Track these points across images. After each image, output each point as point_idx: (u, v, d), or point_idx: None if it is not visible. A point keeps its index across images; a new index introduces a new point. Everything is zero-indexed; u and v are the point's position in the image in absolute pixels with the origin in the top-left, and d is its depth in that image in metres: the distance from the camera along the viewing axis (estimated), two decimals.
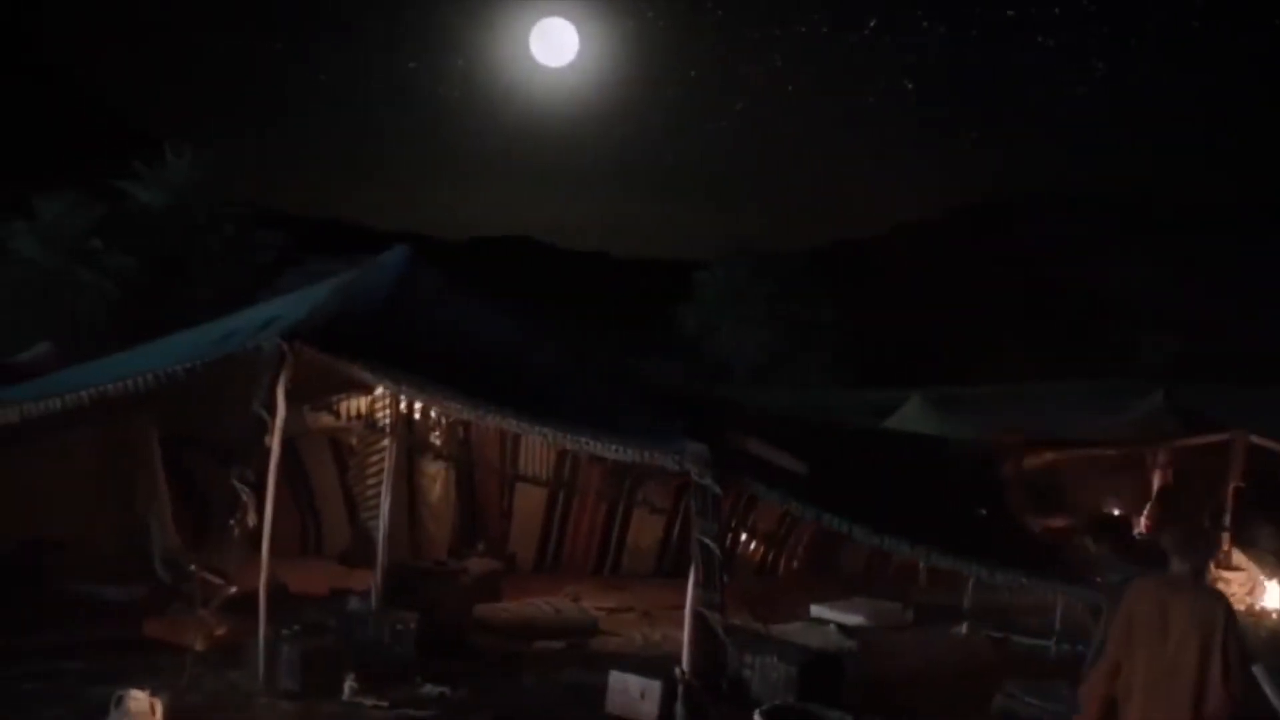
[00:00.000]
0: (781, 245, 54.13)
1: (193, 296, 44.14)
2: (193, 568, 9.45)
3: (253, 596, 10.57)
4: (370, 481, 13.45)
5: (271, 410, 9.59)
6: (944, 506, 12.01)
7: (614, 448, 9.70)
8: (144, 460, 13.40)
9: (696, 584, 9.39)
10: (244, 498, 9.33)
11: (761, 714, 8.32)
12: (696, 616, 9.27)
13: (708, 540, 9.31)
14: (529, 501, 15.60)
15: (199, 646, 10.61)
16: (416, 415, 13.43)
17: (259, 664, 9.74)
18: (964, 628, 13.53)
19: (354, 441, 14.14)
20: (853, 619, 13.42)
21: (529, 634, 12.07)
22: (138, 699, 7.83)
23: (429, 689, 9.94)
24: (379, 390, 12.89)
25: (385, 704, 9.51)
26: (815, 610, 13.70)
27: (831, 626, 13.03)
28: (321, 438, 14.65)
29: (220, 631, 9.70)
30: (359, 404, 13.51)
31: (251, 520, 9.40)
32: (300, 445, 13.78)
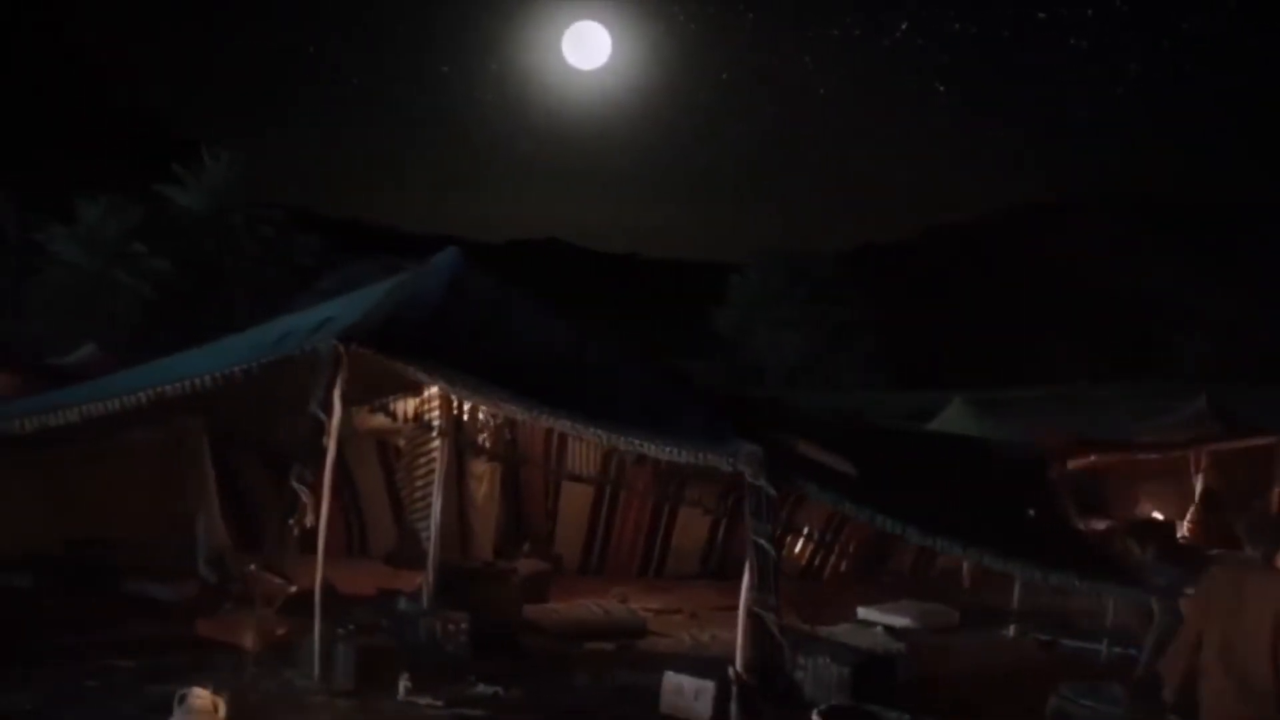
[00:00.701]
0: (813, 248, 53.89)
1: (230, 298, 44.51)
2: (252, 567, 9.50)
3: (301, 596, 10.73)
4: (418, 483, 13.45)
5: (328, 411, 9.66)
6: (994, 508, 11.98)
7: (668, 449, 9.72)
8: (194, 461, 13.50)
9: (751, 585, 9.38)
10: (303, 498, 9.40)
11: (819, 714, 8.32)
12: (752, 617, 9.24)
13: (762, 541, 9.30)
14: (575, 501, 15.64)
15: (253, 646, 10.74)
16: (465, 416, 13.47)
17: (314, 663, 9.82)
18: (1011, 630, 13.47)
19: (401, 443, 14.18)
20: (899, 621, 13.38)
21: (578, 635, 12.10)
22: (201, 697, 7.89)
23: (482, 689, 9.96)
24: (427, 392, 12.95)
25: (440, 703, 9.54)
26: (862, 613, 13.68)
27: (878, 629, 13.00)
28: (368, 439, 14.73)
29: (281, 631, 9.76)
30: (409, 405, 13.54)
31: (309, 520, 9.46)
32: (345, 446, 13.84)
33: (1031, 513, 12.75)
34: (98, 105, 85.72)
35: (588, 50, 63.93)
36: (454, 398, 12.22)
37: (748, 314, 49.43)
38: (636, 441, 9.83)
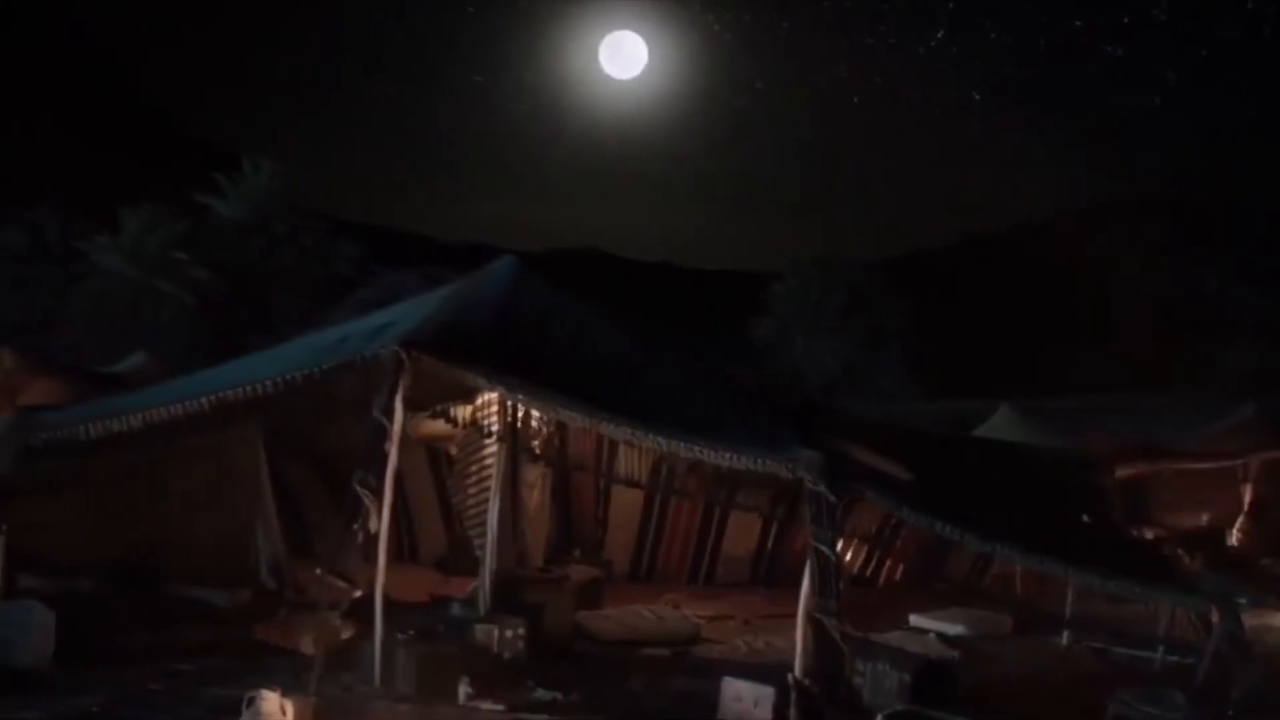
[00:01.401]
0: (851, 256, 53.70)
1: (271, 307, 44.78)
2: (317, 571, 9.56)
3: (357, 602, 10.81)
4: (470, 490, 13.51)
5: (390, 417, 9.73)
6: (1050, 514, 11.95)
7: (727, 455, 9.76)
8: (251, 467, 13.59)
9: (812, 591, 9.37)
10: (366, 502, 9.46)
11: (884, 719, 8.33)
12: (814, 623, 9.24)
13: (823, 547, 9.31)
14: (624, 509, 15.65)
15: (313, 651, 10.81)
16: (519, 423, 13.50)
17: (374, 668, 9.89)
18: (1065, 638, 13.41)
19: (453, 450, 14.23)
20: (953, 629, 13.34)
21: (633, 641, 12.13)
22: (269, 700, 7.94)
23: (541, 694, 10.00)
24: (480, 399, 13.00)
25: (501, 708, 9.60)
26: (914, 620, 13.65)
27: (932, 636, 12.98)
28: (418, 446, 14.79)
29: (346, 635, 9.81)
30: (464, 411, 13.60)
31: (374, 525, 9.53)
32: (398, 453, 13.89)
33: (1086, 519, 12.71)
34: (139, 116, 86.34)
35: (624, 59, 63.98)
36: (511, 404, 12.28)
37: (786, 322, 49.31)
38: (696, 448, 9.83)
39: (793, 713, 9.14)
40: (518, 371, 10.09)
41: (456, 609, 12.42)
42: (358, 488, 9.48)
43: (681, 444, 9.90)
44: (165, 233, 42.78)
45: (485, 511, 13.11)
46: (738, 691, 9.62)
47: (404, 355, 9.77)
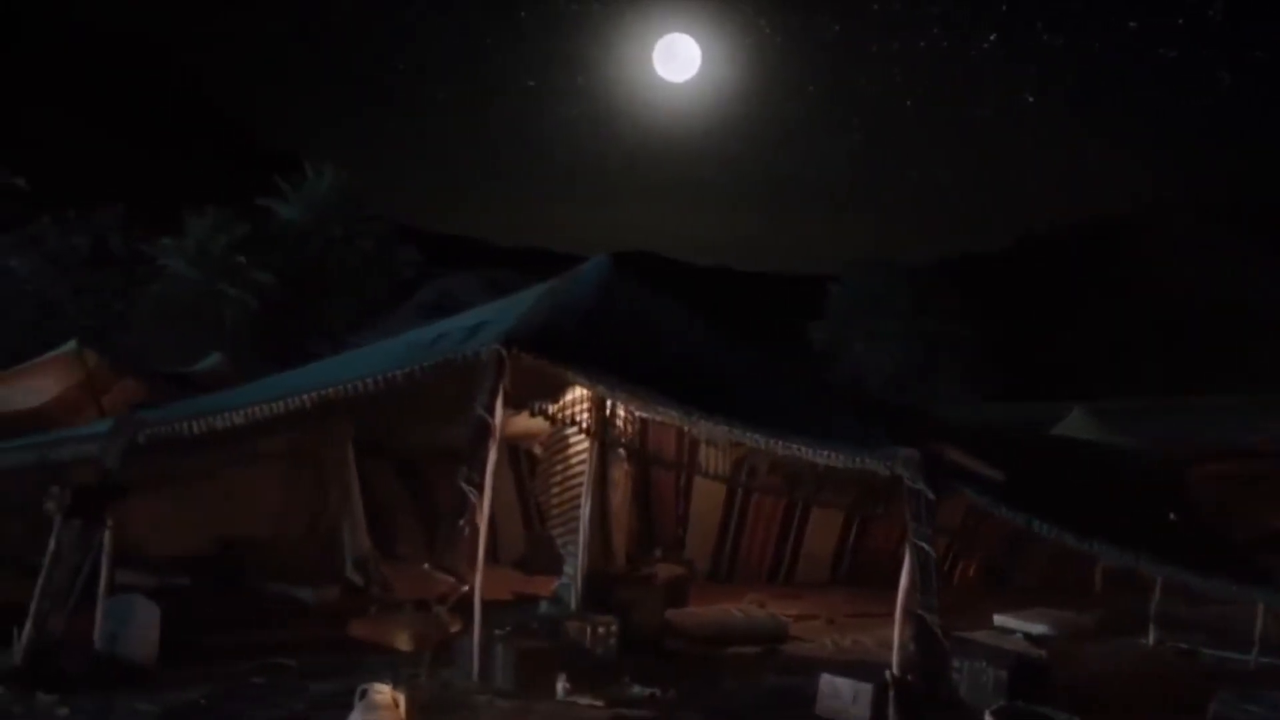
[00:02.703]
0: (904, 259, 53.41)
1: (331, 309, 45.08)
2: (425, 566, 9.66)
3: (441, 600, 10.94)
4: (555, 489, 13.59)
5: (492, 414, 9.82)
6: (1141, 513, 11.90)
7: (825, 454, 9.77)
8: (336, 464, 13.74)
9: (912, 587, 9.37)
10: (472, 499, 9.56)
11: (992, 715, 8.33)
12: (916, 620, 9.22)
13: (923, 544, 9.31)
14: (705, 509, 15.69)
15: (408, 647, 10.95)
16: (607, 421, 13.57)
17: (473, 663, 9.98)
18: (1151, 638, 13.34)
19: (537, 450, 14.31)
20: (1037, 628, 13.30)
21: (721, 639, 12.19)
22: (382, 692, 8.04)
23: (638, 690, 10.07)
24: (567, 396, 13.07)
25: (600, 703, 9.66)
26: (998, 619, 13.61)
27: (1017, 635, 12.94)
28: (502, 445, 14.86)
29: (455, 629, 9.91)
30: (554, 409, 13.68)
31: (480, 522, 9.62)
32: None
33: (1173, 518, 12.64)
34: (200, 120, 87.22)
35: (678, 62, 64.09)
36: (601, 402, 12.36)
37: (845, 324, 49.06)
38: (795, 446, 9.85)
39: (891, 709, 9.16)
40: (615, 370, 10.17)
41: (544, 607, 12.53)
42: (463, 485, 9.57)
43: (780, 442, 9.92)
44: (228, 236, 43.10)
45: (570, 510, 13.21)
46: (835, 687, 9.65)
47: (505, 353, 9.86)
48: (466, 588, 9.71)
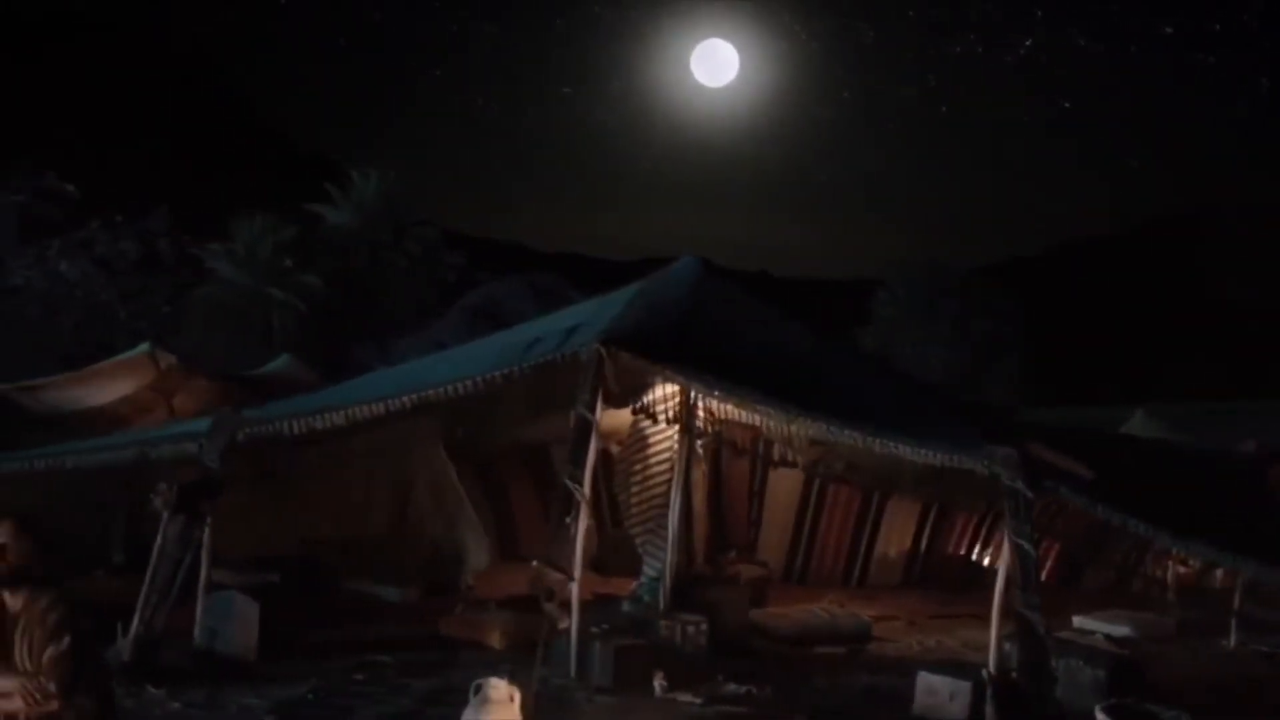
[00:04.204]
0: (948, 263, 53.11)
1: (378, 313, 45.30)
2: (534, 563, 9.76)
3: (518, 598, 11.02)
4: (634, 489, 13.68)
5: (593, 412, 9.92)
6: (1228, 514, 11.86)
7: (924, 452, 9.82)
8: (428, 465, 13.86)
9: (1012, 585, 9.37)
10: (578, 497, 9.66)
11: (1102, 711, 8.34)
12: (1018, 618, 9.24)
13: (1023, 542, 9.31)
14: (779, 512, 15.68)
15: (500, 644, 11.05)
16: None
17: (570, 660, 10.07)
18: (1232, 640, 13.31)
19: (615, 449, 14.37)
20: (1118, 630, 13.28)
21: (807, 639, 12.24)
22: (497, 688, 8.09)
23: (734, 687, 10.14)
24: (651, 395, 13.10)
25: (699, 701, 9.74)
26: (1078, 621, 13.59)
27: (1099, 636, 12.93)
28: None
29: (564, 625, 9.98)
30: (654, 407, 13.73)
31: (585, 519, 9.73)
32: (555, 452, 14.06)
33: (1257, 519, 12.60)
34: (247, 128, 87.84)
35: (716, 67, 63.80)
36: (703, 400, 12.41)
37: (893, 329, 48.84)
38: (894, 444, 9.90)
39: (990, 707, 9.18)
40: (711, 369, 10.24)
41: (626, 606, 12.60)
42: (568, 483, 9.67)
43: (878, 440, 9.97)
44: (275, 241, 43.37)
45: (650, 510, 13.29)
46: (932, 685, 9.68)
47: (605, 352, 9.96)
48: (575, 584, 9.78)
